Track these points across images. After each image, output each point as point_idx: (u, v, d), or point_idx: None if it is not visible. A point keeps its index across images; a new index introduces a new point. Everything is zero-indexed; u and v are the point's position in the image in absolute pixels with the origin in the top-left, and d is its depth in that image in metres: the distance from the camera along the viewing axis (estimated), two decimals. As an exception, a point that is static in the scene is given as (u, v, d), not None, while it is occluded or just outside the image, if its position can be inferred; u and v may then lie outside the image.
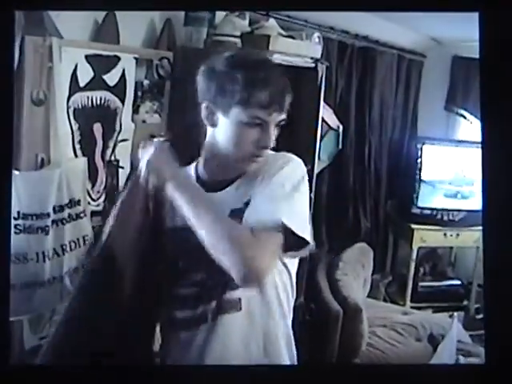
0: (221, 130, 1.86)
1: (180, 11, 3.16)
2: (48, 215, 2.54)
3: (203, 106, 1.88)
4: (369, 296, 5.15)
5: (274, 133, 1.86)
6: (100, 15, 2.78)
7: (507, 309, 1.49)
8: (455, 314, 4.46)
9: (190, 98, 1.93)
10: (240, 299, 1.87)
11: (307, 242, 1.82)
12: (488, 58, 1.54)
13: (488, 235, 1.56)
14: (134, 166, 1.92)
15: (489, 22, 1.52)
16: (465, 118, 6.14)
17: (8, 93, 1.49)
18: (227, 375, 1.51)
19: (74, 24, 2.66)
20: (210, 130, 1.91)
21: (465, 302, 5.86)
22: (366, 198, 5.60)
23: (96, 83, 2.78)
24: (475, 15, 1.55)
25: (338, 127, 4.47)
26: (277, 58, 3.32)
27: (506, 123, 1.53)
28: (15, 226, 2.41)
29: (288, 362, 1.97)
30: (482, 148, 1.55)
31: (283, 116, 1.86)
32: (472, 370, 1.56)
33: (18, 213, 2.43)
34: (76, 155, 2.75)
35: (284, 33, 3.44)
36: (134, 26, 3.03)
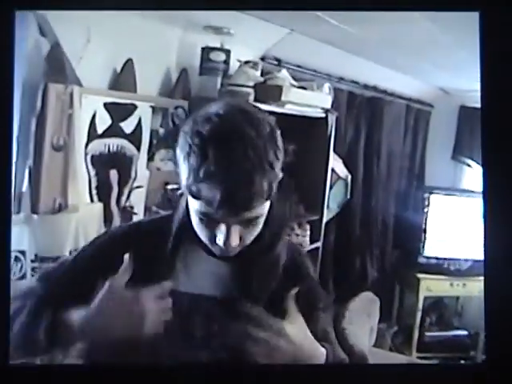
0: None
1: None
2: (65, 259, 2.57)
3: None
4: (375, 345, 5.14)
5: None
6: (119, 64, 2.85)
7: (507, 307, 1.49)
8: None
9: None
10: None
11: None
12: (488, 59, 1.53)
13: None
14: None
15: (489, 22, 1.51)
16: (471, 167, 6.20)
17: (7, 98, 1.49)
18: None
19: (93, 72, 2.73)
20: None
21: (472, 353, 5.83)
22: (373, 247, 5.62)
23: (113, 130, 2.84)
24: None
25: (347, 177, 4.53)
26: (289, 109, 3.40)
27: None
28: (32, 269, 2.45)
29: None
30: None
31: None
32: (472, 370, 1.56)
33: (36, 255, 2.47)
34: (92, 200, 2.80)
35: (295, 83, 3.51)
36: (151, 74, 3.10)
